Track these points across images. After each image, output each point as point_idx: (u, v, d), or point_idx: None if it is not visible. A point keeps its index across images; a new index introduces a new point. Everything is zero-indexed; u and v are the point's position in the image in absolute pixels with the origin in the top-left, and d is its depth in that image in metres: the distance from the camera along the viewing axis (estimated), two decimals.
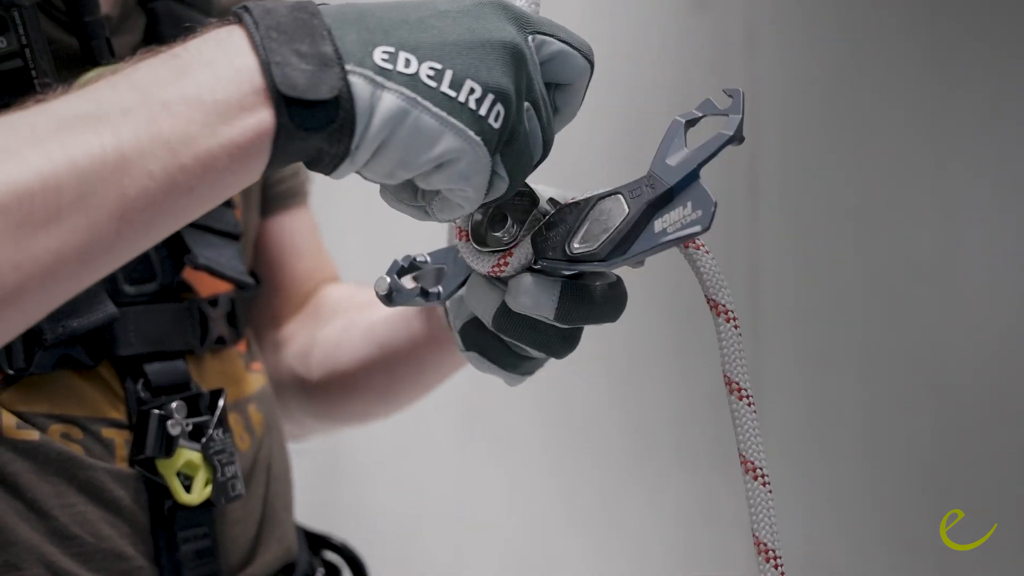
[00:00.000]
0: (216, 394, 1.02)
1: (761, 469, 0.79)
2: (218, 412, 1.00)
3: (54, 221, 0.65)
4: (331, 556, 1.18)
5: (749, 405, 0.79)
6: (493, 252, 0.80)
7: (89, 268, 0.68)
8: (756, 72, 2.40)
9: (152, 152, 0.66)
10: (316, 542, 1.18)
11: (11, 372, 0.93)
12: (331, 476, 2.50)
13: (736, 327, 0.78)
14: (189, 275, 1.04)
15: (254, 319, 1.24)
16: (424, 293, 0.90)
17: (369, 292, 1.19)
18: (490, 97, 0.71)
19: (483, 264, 0.81)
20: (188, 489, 0.98)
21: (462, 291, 0.87)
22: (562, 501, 2.54)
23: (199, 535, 1.00)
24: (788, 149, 2.41)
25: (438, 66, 0.70)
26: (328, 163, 0.72)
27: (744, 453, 0.79)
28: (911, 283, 2.35)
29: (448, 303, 0.90)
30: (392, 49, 0.70)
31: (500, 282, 0.82)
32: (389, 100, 0.69)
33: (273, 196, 1.25)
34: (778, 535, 0.80)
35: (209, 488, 0.99)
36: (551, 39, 0.75)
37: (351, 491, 2.60)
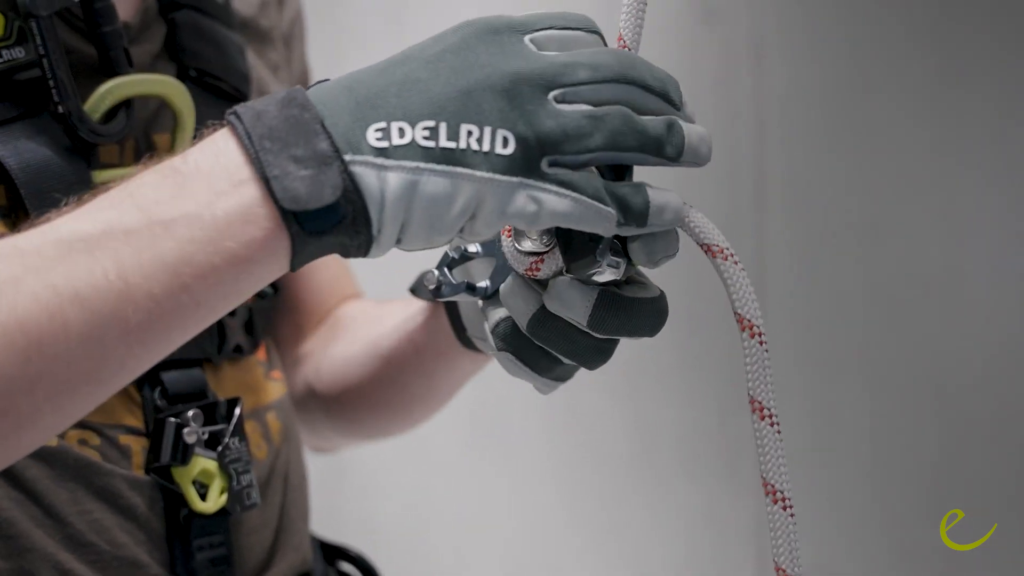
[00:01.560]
0: (233, 403, 1.02)
1: (783, 493, 0.78)
2: (234, 421, 1.00)
3: (62, 350, 0.67)
4: (346, 567, 1.18)
5: (773, 426, 0.77)
6: (530, 254, 0.79)
7: (104, 386, 0.71)
8: (763, 85, 2.40)
9: (154, 276, 0.68)
10: (331, 552, 1.18)
11: None
12: (336, 482, 2.50)
13: (763, 343, 0.76)
14: None
15: (276, 333, 1.23)
16: (471, 287, 0.89)
17: (384, 307, 1.19)
18: (488, 130, 0.70)
19: (520, 264, 0.80)
20: (204, 497, 0.98)
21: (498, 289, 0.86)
22: (566, 508, 2.54)
23: (214, 543, 1.00)
24: (795, 161, 2.41)
25: (431, 124, 0.70)
26: (356, 251, 0.71)
27: (766, 476, 0.77)
28: (915, 291, 2.35)
29: (480, 303, 0.89)
30: (384, 124, 0.69)
31: (538, 284, 0.81)
32: (395, 179, 0.69)
33: None
34: (799, 562, 0.78)
35: (225, 497, 0.99)
36: (549, 32, 0.74)
37: (356, 497, 2.60)
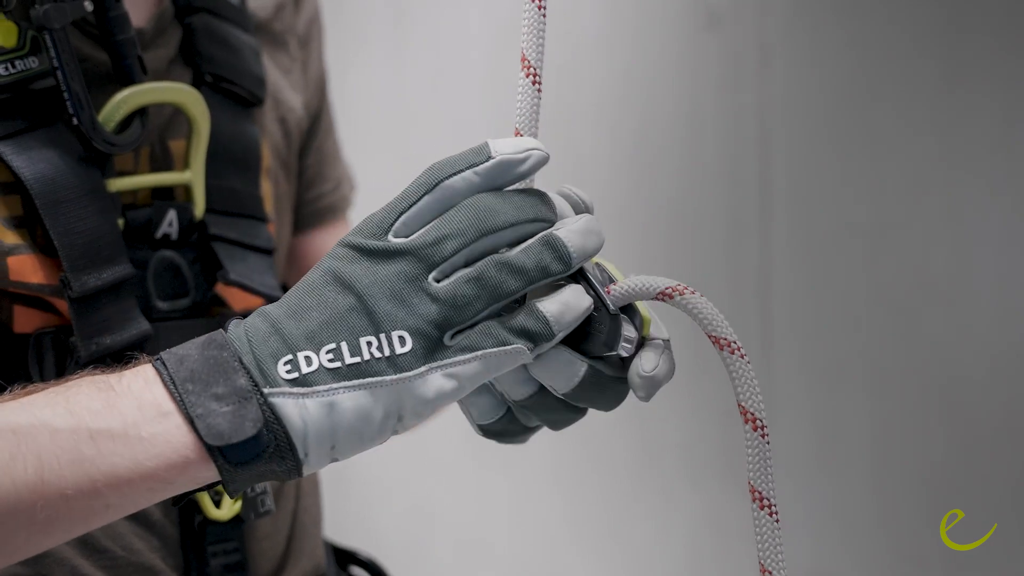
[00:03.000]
0: None
1: (769, 500, 0.80)
2: None
3: None
4: (357, 571, 1.18)
5: (763, 437, 0.79)
6: None
7: (16, 561, 0.74)
8: (768, 91, 2.40)
9: (70, 478, 0.71)
10: (343, 557, 1.18)
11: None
12: (339, 487, 2.50)
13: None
14: (222, 290, 1.05)
15: None
16: None
17: None
18: (384, 336, 0.74)
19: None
20: (218, 505, 0.99)
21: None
22: (569, 516, 2.54)
23: (229, 550, 1.00)
24: (799, 168, 2.41)
25: (332, 346, 0.73)
26: (287, 475, 0.74)
27: (753, 483, 0.80)
28: (918, 294, 2.35)
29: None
30: (290, 356, 0.73)
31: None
32: (312, 405, 0.73)
33: (309, 213, 1.25)
34: (784, 564, 0.80)
35: (239, 504, 0.99)
36: (403, 219, 0.76)
37: (358, 502, 2.60)
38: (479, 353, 0.75)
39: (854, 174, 2.38)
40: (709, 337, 0.79)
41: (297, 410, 0.73)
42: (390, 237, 0.76)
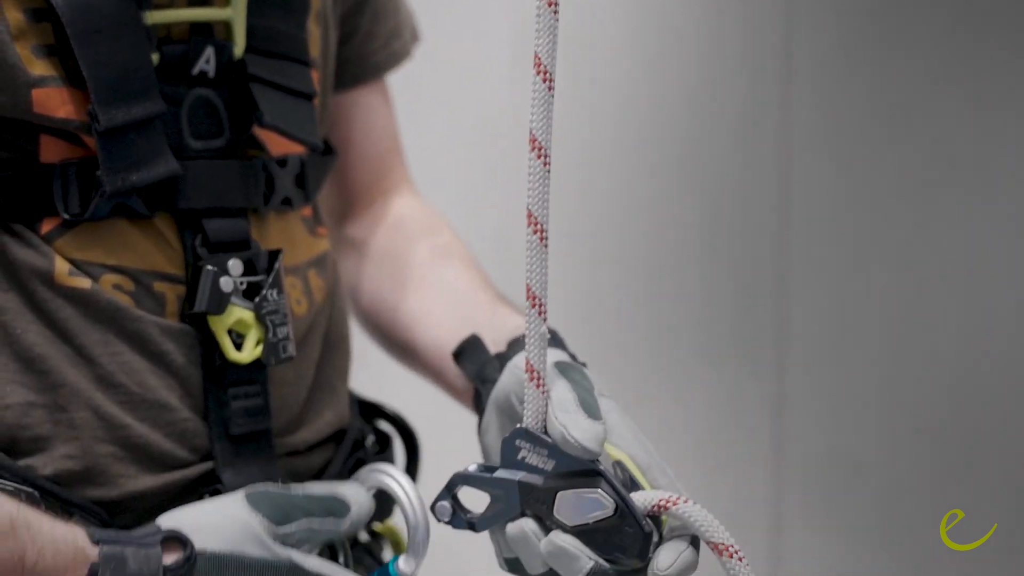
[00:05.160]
0: (274, 254, 1.00)
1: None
2: (274, 273, 0.99)
3: None
4: (384, 425, 1.18)
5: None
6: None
7: None
8: (790, 96, 2.37)
9: None
10: (369, 411, 1.18)
11: (67, 217, 0.93)
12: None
13: (742, 560, 0.84)
14: (259, 132, 1.02)
15: (326, 199, 1.21)
16: (471, 524, 0.92)
17: (438, 278, 1.18)
18: None
19: None
20: (239, 348, 0.98)
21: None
22: None
23: (250, 393, 1.00)
24: (821, 156, 2.39)
25: None
26: None
27: None
28: (924, 297, 2.35)
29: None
30: None
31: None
32: None
33: (353, 69, 1.21)
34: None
35: (260, 348, 0.99)
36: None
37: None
38: None
39: (873, 176, 2.37)
40: (708, 543, 0.84)
41: None
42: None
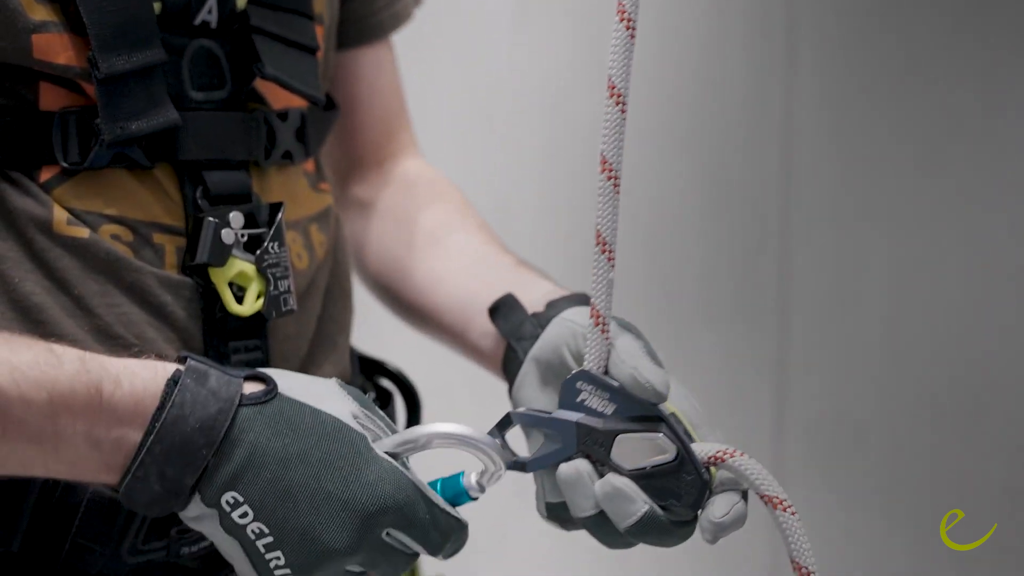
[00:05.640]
0: (275, 207, 1.00)
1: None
2: (275, 226, 0.98)
3: None
4: (385, 383, 1.17)
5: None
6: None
7: None
8: (795, 86, 2.36)
9: (24, 452, 0.81)
10: (370, 367, 1.17)
11: (66, 165, 0.92)
12: None
13: (794, 513, 0.85)
14: (261, 85, 1.02)
15: (332, 158, 1.21)
16: (520, 465, 0.92)
17: (454, 242, 1.17)
18: (286, 572, 0.84)
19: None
20: (240, 301, 0.97)
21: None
22: None
23: (250, 347, 0.99)
24: (823, 113, 2.38)
25: (265, 530, 0.83)
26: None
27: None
28: (927, 296, 2.35)
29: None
30: (240, 498, 0.83)
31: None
32: (212, 529, 0.84)
33: (356, 28, 1.20)
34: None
35: (261, 301, 0.98)
36: (413, 543, 0.87)
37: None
38: None
39: (876, 171, 2.37)
40: (762, 497, 0.85)
41: (199, 515, 0.84)
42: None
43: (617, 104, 0.87)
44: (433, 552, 0.88)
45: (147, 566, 0.96)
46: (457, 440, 0.89)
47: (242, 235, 0.97)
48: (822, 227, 2.40)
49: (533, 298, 1.03)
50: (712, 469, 0.87)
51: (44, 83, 0.92)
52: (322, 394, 0.88)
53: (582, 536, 0.93)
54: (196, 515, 0.85)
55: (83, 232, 0.92)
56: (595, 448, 0.88)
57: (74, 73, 0.91)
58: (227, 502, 0.82)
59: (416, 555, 0.88)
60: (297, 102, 1.05)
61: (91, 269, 0.92)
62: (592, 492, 0.87)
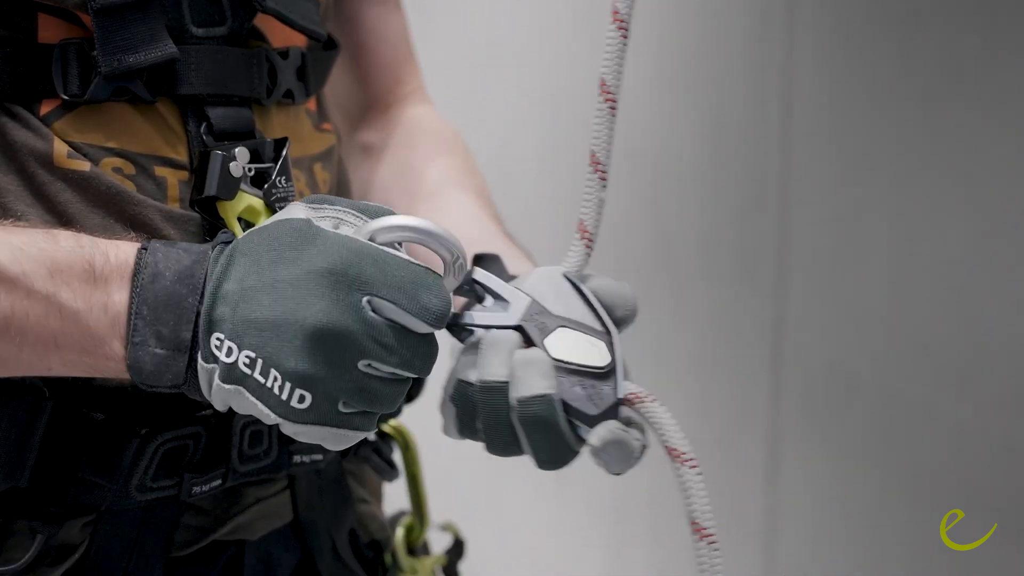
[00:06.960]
0: (280, 143, 0.97)
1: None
2: (281, 160, 0.96)
3: None
4: None
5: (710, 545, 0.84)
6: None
7: None
8: (793, 80, 2.34)
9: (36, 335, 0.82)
10: None
11: (66, 98, 0.90)
12: None
13: (694, 467, 0.84)
14: (262, 23, 1.00)
15: (340, 100, 1.20)
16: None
17: (455, 194, 1.16)
18: (288, 385, 0.79)
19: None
20: None
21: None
22: None
23: None
24: (823, 73, 2.37)
25: (252, 355, 0.80)
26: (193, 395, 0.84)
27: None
28: (933, 204, 2.35)
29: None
30: (222, 336, 0.80)
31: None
32: (218, 387, 0.81)
33: None
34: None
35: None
36: (388, 304, 0.80)
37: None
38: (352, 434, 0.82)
39: (873, 170, 2.38)
40: (664, 447, 0.85)
41: (209, 382, 0.81)
42: (364, 301, 0.80)
43: (597, 173, 0.90)
44: (416, 319, 0.82)
45: (157, 504, 0.94)
46: (420, 234, 0.85)
47: (249, 170, 0.95)
48: (821, 185, 2.40)
49: (513, 269, 1.03)
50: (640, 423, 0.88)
51: (42, 15, 0.90)
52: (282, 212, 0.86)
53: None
54: (206, 382, 0.82)
55: (84, 165, 0.90)
56: (535, 329, 0.88)
57: (71, 3, 0.89)
58: (215, 347, 0.80)
59: (404, 381, 0.84)
60: (297, 40, 1.03)
61: (93, 202, 0.91)
62: (509, 360, 0.87)
